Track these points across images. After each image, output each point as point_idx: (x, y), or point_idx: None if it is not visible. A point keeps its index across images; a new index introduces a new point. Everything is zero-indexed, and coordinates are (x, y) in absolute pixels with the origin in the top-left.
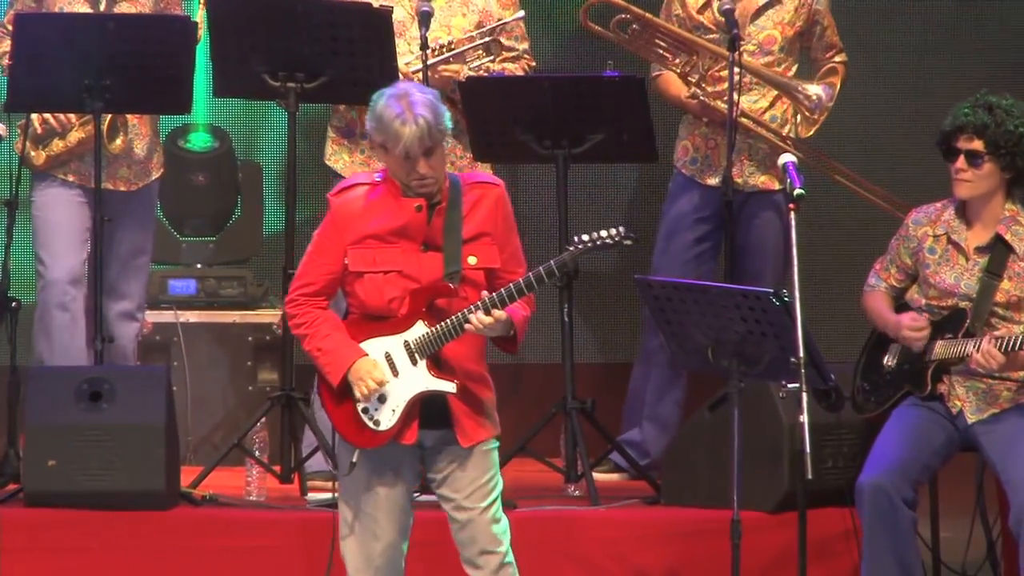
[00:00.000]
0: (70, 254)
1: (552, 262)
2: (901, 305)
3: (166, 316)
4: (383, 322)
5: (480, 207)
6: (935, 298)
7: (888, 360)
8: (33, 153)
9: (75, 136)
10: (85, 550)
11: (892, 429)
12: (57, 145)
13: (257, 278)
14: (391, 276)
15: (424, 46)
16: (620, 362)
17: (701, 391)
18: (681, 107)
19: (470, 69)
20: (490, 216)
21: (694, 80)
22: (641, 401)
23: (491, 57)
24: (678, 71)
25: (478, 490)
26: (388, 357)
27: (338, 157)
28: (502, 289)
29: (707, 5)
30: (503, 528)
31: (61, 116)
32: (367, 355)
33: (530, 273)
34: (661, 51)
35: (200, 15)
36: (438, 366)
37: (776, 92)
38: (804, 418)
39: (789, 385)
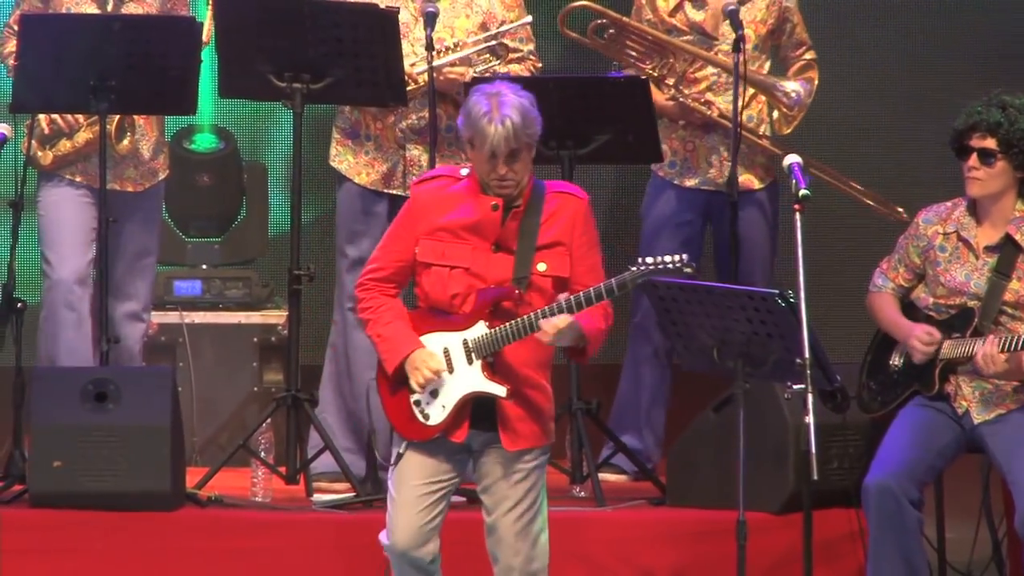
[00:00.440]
0: (76, 255)
1: (613, 281)
2: (907, 305)
3: (171, 317)
4: (446, 318)
5: (560, 216)
6: (943, 296)
7: (895, 360)
8: (40, 153)
9: (83, 137)
10: (90, 551)
11: (898, 429)
12: (65, 145)
13: (262, 279)
14: (457, 272)
15: (429, 47)
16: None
17: (698, 392)
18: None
19: (476, 72)
20: (568, 226)
21: (671, 83)
22: (633, 407)
23: (498, 60)
24: (655, 75)
25: (512, 500)
26: (446, 352)
27: (343, 158)
28: (560, 299)
29: (679, 7)
30: (534, 547)
31: (69, 117)
32: (424, 347)
33: (591, 289)
34: (635, 55)
35: (208, 20)
36: (493, 368)
37: (753, 91)
38: (809, 419)
39: (794, 386)
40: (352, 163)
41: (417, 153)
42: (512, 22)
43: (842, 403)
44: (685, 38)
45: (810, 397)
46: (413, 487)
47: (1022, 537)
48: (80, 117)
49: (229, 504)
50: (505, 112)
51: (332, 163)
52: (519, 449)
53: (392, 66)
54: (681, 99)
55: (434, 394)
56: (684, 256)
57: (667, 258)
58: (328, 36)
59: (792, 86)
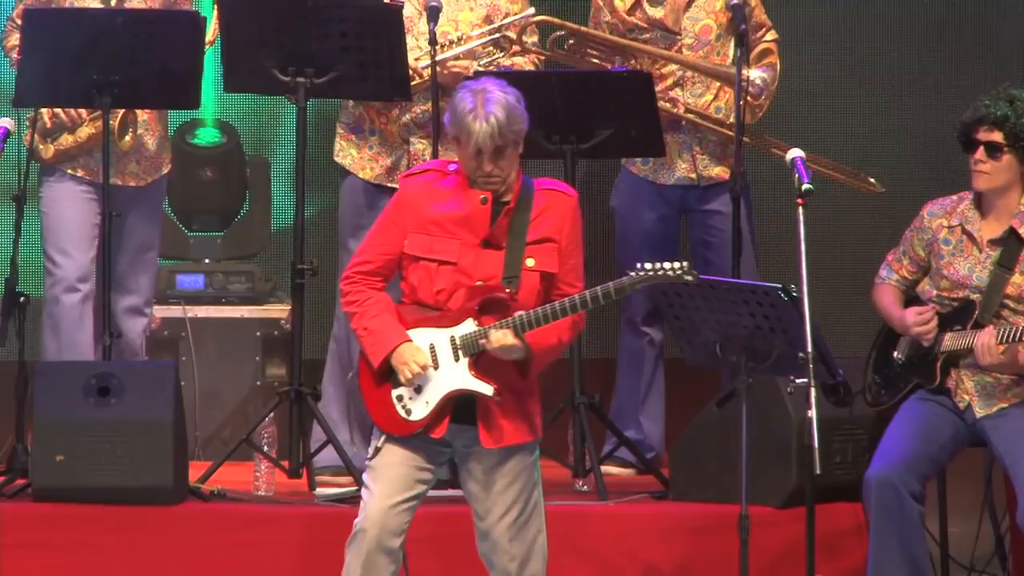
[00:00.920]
0: (79, 250)
1: (610, 285)
2: (912, 298)
3: (174, 311)
4: (434, 314)
5: (549, 213)
6: (946, 290)
7: (897, 353)
8: (41, 147)
9: (85, 131)
10: (93, 545)
11: (899, 423)
12: (66, 139)
13: (265, 273)
14: (445, 268)
15: (433, 41)
16: None
17: (698, 384)
18: None
19: (480, 64)
20: (558, 223)
21: None
22: (631, 401)
23: (501, 53)
24: None
25: (503, 505)
26: (432, 349)
27: (346, 153)
28: (548, 306)
29: (637, 5)
30: (531, 549)
31: (72, 111)
32: (411, 340)
33: (587, 292)
34: (596, 60)
35: (214, 19)
36: (480, 366)
37: (720, 83)
38: (812, 413)
39: (797, 380)
40: (356, 158)
41: (421, 147)
42: (516, 15)
43: (845, 397)
44: (646, 35)
45: (813, 391)
46: (389, 474)
47: None
48: (83, 111)
49: (232, 498)
50: (490, 109)
51: (336, 158)
52: (500, 447)
53: (396, 60)
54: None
55: (418, 390)
56: (685, 264)
57: (667, 265)
58: (332, 31)
59: (755, 74)
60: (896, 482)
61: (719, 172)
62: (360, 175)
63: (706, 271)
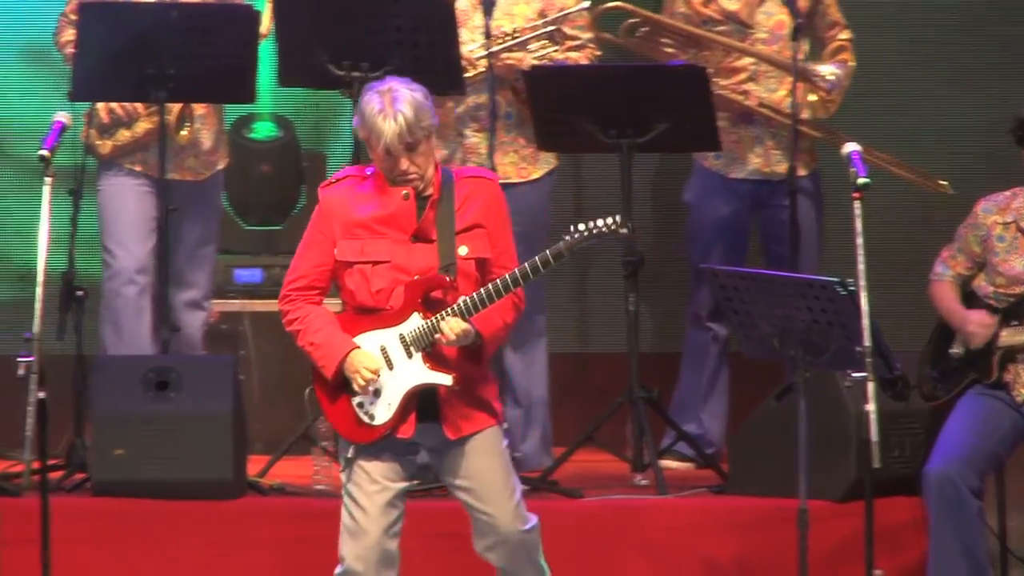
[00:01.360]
0: (137, 244)
1: (548, 251)
2: (968, 294)
3: (232, 305)
4: (377, 315)
5: (473, 200)
6: (1003, 286)
7: (955, 348)
8: (99, 142)
9: (142, 126)
10: (151, 540)
11: (958, 418)
12: (124, 135)
13: None
14: (380, 267)
15: (487, 34)
16: None
17: (759, 379)
18: None
19: (534, 58)
20: (483, 209)
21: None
22: (694, 395)
23: (555, 46)
24: None
25: (492, 490)
26: (383, 351)
27: None
28: (490, 284)
29: None
30: (527, 523)
31: (128, 105)
32: (360, 347)
33: (525, 264)
34: (670, 50)
35: (268, 11)
36: (434, 358)
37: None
38: (870, 407)
39: (855, 374)
40: None
41: (476, 141)
42: (570, 8)
43: (902, 391)
44: (720, 28)
45: (871, 385)
46: (371, 499)
47: None
48: (139, 106)
49: (291, 492)
50: (397, 108)
51: None
52: (466, 435)
53: (449, 54)
54: (718, 90)
55: (377, 394)
56: (617, 217)
57: (600, 222)
58: (387, 24)
59: (827, 69)
60: (955, 477)
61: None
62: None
63: (775, 266)
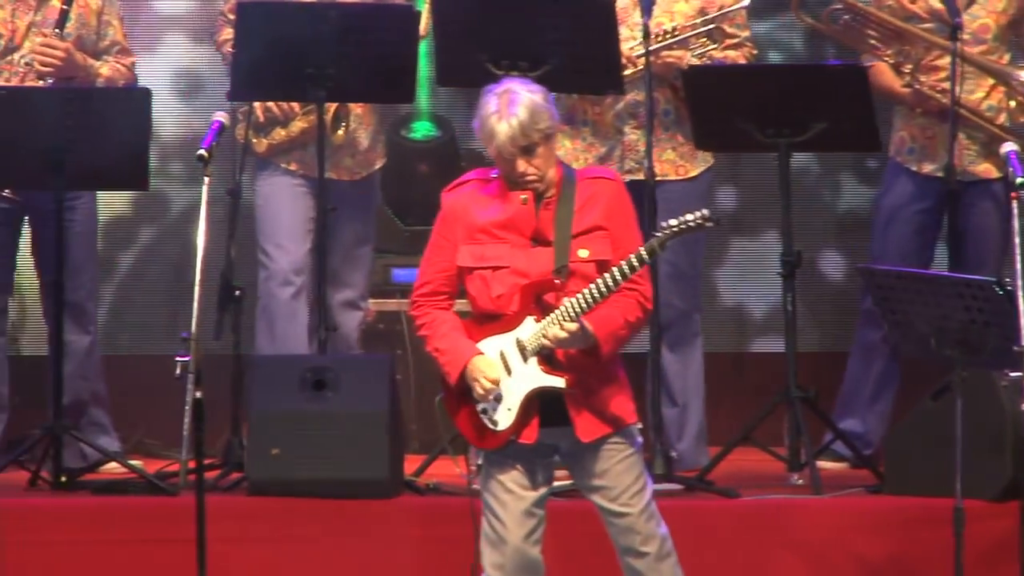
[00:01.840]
0: (294, 244)
1: (642, 248)
2: None
3: (390, 304)
4: (497, 320)
5: (595, 201)
6: None
7: None
8: (255, 141)
9: (298, 125)
10: (308, 539)
11: None
12: (279, 134)
13: None
14: (500, 272)
15: (646, 33)
16: (843, 351)
17: (922, 380)
18: (893, 98)
19: (693, 56)
20: (605, 210)
21: (908, 70)
22: (860, 393)
23: (714, 44)
24: (891, 61)
25: (625, 490)
26: (502, 356)
27: (560, 144)
28: (592, 285)
29: None
30: (659, 526)
31: (284, 105)
32: (482, 353)
33: (622, 262)
34: (873, 41)
35: (426, 11)
36: (549, 361)
37: (993, 81)
38: None
39: (1012, 373)
40: (569, 148)
41: (635, 138)
42: (730, 7)
43: None
44: (923, 25)
45: None
46: (506, 508)
47: None
48: (295, 105)
49: (446, 492)
50: (512, 110)
51: None
52: (598, 437)
53: (609, 53)
54: (916, 87)
55: (498, 399)
56: (704, 211)
57: (688, 216)
58: (546, 24)
59: None
60: None
61: (983, 169)
62: (574, 166)
63: (963, 267)
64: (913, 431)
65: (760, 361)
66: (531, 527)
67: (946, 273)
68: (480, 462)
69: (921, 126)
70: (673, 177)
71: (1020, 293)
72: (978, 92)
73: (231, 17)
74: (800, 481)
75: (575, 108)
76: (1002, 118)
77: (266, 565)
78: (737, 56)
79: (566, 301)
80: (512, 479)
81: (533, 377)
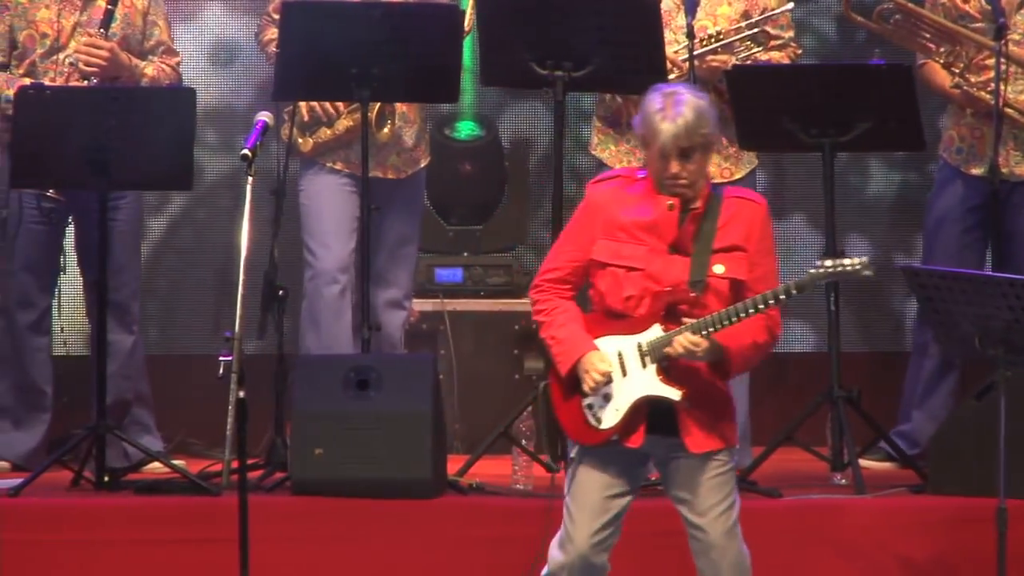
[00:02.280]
0: (338, 243)
1: (792, 283)
2: None
3: (433, 304)
4: (621, 320)
5: (738, 221)
6: None
7: None
8: (300, 140)
9: (343, 124)
10: (351, 539)
11: None
12: (324, 133)
13: (523, 266)
14: (633, 274)
15: (690, 35)
16: (886, 351)
17: (978, 380)
18: (945, 97)
19: (738, 59)
20: (746, 231)
21: (958, 70)
22: (912, 393)
23: (759, 47)
24: (941, 61)
25: (715, 501)
26: (620, 356)
27: (604, 147)
28: (731, 306)
29: None
30: (741, 546)
31: (328, 104)
32: (598, 349)
33: (769, 291)
34: (924, 41)
35: (470, 9)
36: (667, 372)
37: None
38: None
39: None
40: (613, 151)
41: None
42: (774, 9)
43: None
44: (975, 25)
45: None
46: (584, 512)
47: None
48: (340, 104)
49: (490, 492)
50: (679, 110)
51: (594, 152)
52: (707, 451)
53: (653, 54)
54: (965, 87)
55: (607, 397)
56: (864, 258)
57: (847, 261)
58: (590, 24)
59: None
60: None
61: None
62: (617, 167)
63: (1009, 268)
64: (957, 431)
65: (801, 361)
66: (604, 535)
67: (988, 273)
68: (572, 454)
69: (970, 126)
70: (718, 179)
71: None
72: None
73: (275, 17)
74: (843, 481)
75: (621, 111)
76: None
77: (308, 565)
78: (782, 57)
79: (703, 318)
80: (600, 483)
81: (648, 384)
